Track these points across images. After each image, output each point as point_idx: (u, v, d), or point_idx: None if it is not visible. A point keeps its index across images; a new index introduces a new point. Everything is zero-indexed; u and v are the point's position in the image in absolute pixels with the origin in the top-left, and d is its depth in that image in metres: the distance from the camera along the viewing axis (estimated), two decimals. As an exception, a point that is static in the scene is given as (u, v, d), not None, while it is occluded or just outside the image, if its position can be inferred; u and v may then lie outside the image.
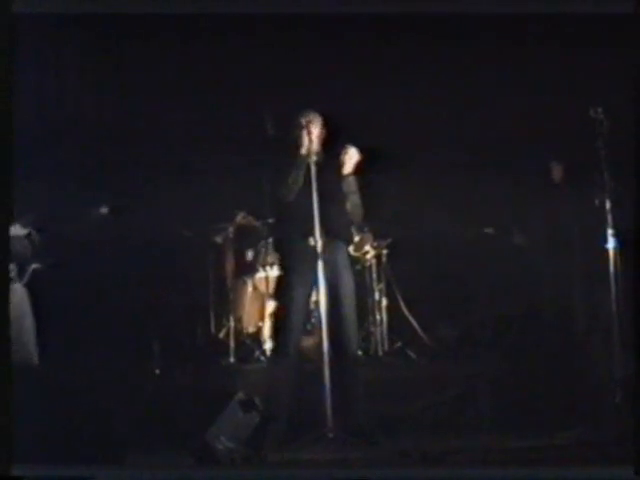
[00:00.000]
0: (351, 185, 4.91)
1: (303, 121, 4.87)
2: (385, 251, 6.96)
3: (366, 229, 6.97)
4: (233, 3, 5.11)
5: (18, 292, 5.43)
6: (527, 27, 5.80)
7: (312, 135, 4.84)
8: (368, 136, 6.26)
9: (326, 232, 4.70)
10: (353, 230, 6.93)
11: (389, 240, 6.94)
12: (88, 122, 6.37)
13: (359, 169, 4.90)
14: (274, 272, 6.58)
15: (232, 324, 6.59)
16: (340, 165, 4.87)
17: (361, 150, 4.92)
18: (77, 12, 5.13)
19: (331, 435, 4.54)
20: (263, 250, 6.75)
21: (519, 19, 5.41)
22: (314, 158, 4.80)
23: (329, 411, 4.56)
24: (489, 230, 6.65)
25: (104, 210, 5.99)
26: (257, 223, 6.71)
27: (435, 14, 5.28)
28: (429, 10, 5.11)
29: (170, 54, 6.42)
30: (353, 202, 4.93)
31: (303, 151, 4.84)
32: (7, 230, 4.34)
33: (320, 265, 4.68)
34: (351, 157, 4.87)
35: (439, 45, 6.30)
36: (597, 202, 5.12)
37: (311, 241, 4.70)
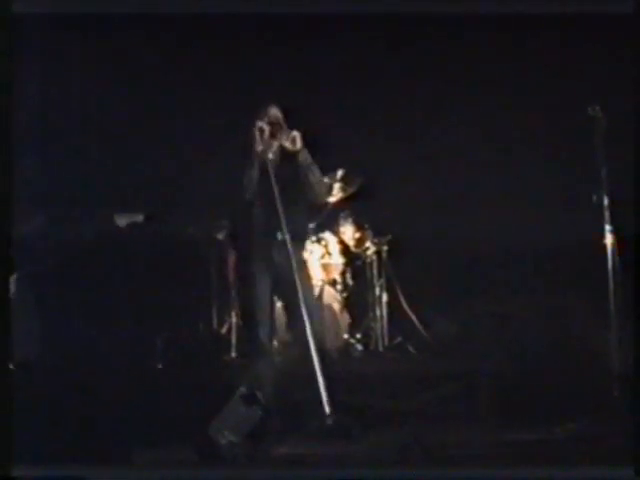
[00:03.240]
0: (306, 157, 4.94)
1: (261, 118, 4.92)
2: (385, 247, 7.00)
3: (366, 225, 7.04)
4: (230, 3, 5.15)
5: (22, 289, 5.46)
6: (527, 27, 5.82)
7: (266, 132, 4.88)
8: (360, 130, 6.32)
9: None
10: (350, 224, 7.02)
11: (389, 236, 6.99)
12: (89, 121, 6.39)
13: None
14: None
15: (234, 320, 6.64)
16: (288, 148, 4.90)
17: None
18: (77, 12, 5.15)
19: (332, 429, 4.58)
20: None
21: (519, 19, 5.44)
22: (270, 155, 4.85)
23: (330, 405, 4.59)
24: None
25: None
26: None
27: (435, 13, 5.31)
28: (432, 9, 5.15)
29: (170, 53, 6.45)
30: (314, 175, 4.97)
31: (258, 148, 4.89)
32: (7, 230, 4.36)
33: (292, 259, 4.72)
34: (294, 140, 4.88)
35: (441, 42, 6.33)
36: (595, 199, 5.16)
37: (279, 236, 4.75)
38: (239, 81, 6.62)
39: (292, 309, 4.86)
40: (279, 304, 6.31)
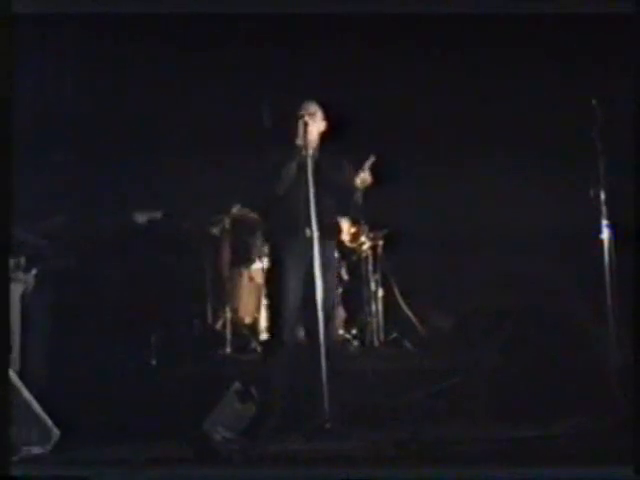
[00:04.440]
0: (359, 198, 5.00)
1: (302, 113, 4.89)
2: (381, 242, 6.98)
3: (362, 220, 7.00)
4: (231, 2, 5.13)
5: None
6: (527, 27, 5.82)
7: (308, 127, 4.84)
8: (368, 129, 6.32)
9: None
10: (346, 220, 6.99)
11: (385, 231, 6.96)
12: (87, 121, 6.36)
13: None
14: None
15: (229, 315, 6.61)
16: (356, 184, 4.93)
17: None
18: (77, 12, 5.13)
19: (328, 425, 4.56)
20: (259, 241, 6.77)
21: (519, 19, 5.43)
22: (310, 151, 4.81)
23: (326, 401, 4.57)
24: None
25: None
26: (253, 214, 6.73)
27: (437, 13, 5.31)
28: (433, 9, 5.14)
29: (168, 52, 6.42)
30: (357, 199, 4.99)
31: (298, 143, 4.85)
32: (7, 230, 4.33)
33: (316, 257, 4.68)
34: (364, 182, 4.90)
35: (441, 41, 6.31)
36: (592, 193, 5.15)
37: (307, 232, 4.71)
38: (234, 73, 6.59)
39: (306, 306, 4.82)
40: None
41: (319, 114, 4.93)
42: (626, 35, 4.57)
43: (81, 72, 6.33)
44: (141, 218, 5.94)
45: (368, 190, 5.02)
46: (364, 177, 4.87)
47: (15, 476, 3.95)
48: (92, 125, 6.38)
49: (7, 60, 4.24)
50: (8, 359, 4.35)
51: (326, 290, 4.81)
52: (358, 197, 4.95)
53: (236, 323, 6.65)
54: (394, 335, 6.81)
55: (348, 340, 6.72)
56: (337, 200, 4.96)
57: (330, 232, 5.00)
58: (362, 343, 6.75)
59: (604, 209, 5.10)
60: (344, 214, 5.16)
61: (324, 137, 4.97)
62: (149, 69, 6.46)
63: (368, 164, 4.88)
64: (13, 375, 4.45)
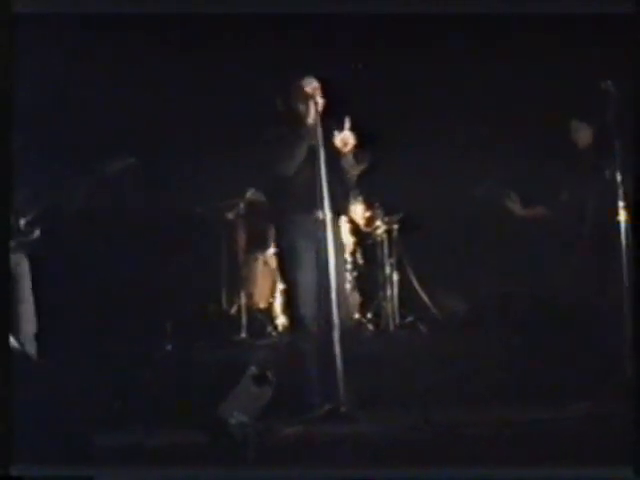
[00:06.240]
0: (351, 163, 4.83)
1: (308, 90, 4.80)
2: (396, 226, 6.97)
3: (377, 204, 6.99)
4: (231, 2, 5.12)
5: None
6: (527, 27, 5.79)
7: (318, 105, 4.73)
8: (371, 106, 6.29)
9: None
10: (361, 203, 6.97)
11: (400, 215, 6.95)
12: (88, 121, 6.37)
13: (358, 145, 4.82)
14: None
15: (244, 300, 6.63)
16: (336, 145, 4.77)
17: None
18: (77, 12, 5.12)
19: (343, 409, 4.57)
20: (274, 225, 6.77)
21: (519, 19, 5.40)
22: (318, 129, 4.71)
23: (341, 385, 4.57)
24: None
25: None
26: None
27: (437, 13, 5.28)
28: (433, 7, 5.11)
29: (171, 47, 6.41)
30: (350, 177, 4.91)
31: (310, 121, 4.77)
32: (7, 229, 4.34)
33: (329, 238, 4.63)
34: (346, 143, 4.76)
35: (446, 29, 6.27)
36: (607, 174, 5.12)
37: (320, 215, 4.65)
38: (242, 56, 6.57)
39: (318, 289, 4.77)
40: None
41: (318, 90, 4.80)
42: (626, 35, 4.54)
43: (81, 72, 6.32)
44: (112, 167, 5.74)
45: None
46: (344, 138, 4.72)
47: (15, 476, 3.95)
48: (93, 125, 6.38)
49: (7, 60, 4.24)
50: (8, 359, 4.34)
51: (338, 272, 4.79)
52: (350, 163, 4.81)
53: (251, 308, 6.67)
54: (409, 319, 6.81)
55: (363, 324, 6.73)
56: (347, 180, 4.89)
57: (338, 213, 4.94)
58: (377, 327, 6.76)
59: (620, 191, 5.06)
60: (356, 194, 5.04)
61: (325, 113, 4.88)
62: (151, 63, 6.44)
63: (347, 124, 4.73)
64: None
